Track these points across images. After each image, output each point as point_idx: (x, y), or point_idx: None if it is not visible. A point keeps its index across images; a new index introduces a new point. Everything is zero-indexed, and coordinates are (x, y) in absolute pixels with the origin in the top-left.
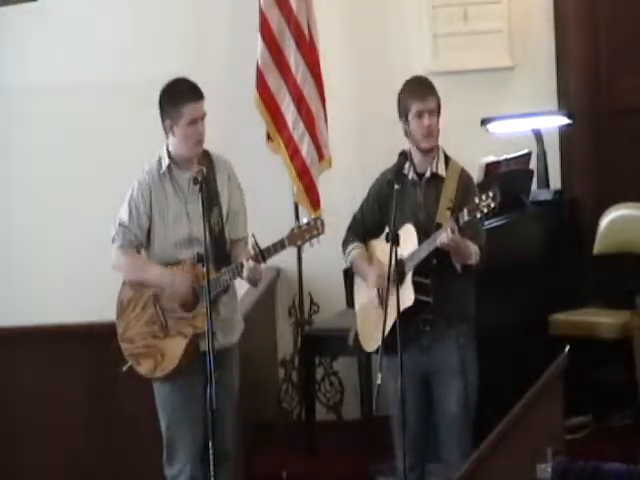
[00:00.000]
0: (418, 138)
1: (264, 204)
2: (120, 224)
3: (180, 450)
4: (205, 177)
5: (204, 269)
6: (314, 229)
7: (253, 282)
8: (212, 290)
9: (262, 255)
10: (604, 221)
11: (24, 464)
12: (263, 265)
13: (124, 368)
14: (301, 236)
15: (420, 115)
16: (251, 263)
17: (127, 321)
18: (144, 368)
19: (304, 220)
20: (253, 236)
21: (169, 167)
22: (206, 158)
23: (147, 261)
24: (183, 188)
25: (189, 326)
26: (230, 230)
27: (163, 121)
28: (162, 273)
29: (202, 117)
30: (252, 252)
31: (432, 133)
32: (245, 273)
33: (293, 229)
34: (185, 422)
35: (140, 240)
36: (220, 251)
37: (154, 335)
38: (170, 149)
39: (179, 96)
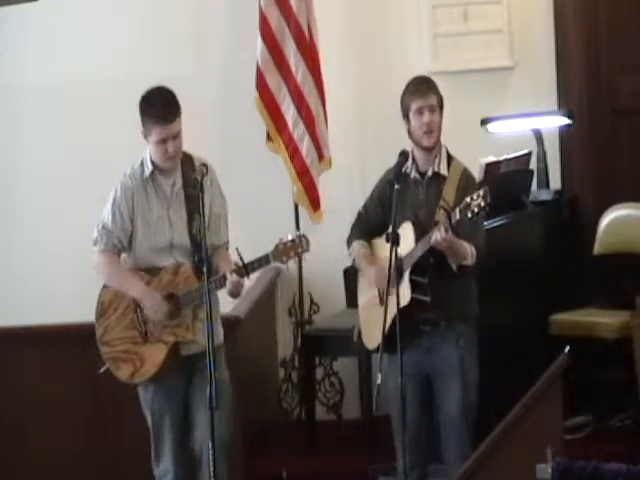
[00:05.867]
0: (419, 136)
1: (264, 204)
2: (103, 227)
3: (165, 451)
4: (187, 181)
5: (186, 277)
6: (298, 246)
7: (234, 295)
8: (193, 300)
9: (245, 269)
10: (604, 221)
11: (24, 464)
12: (247, 278)
13: (101, 370)
14: (285, 252)
15: (420, 112)
16: (235, 277)
17: (107, 324)
18: (122, 373)
19: (289, 236)
20: (237, 250)
21: (152, 173)
22: (188, 162)
23: (130, 274)
24: (166, 194)
25: (171, 334)
26: (212, 235)
27: (142, 126)
28: (143, 293)
29: (174, 136)
30: (234, 264)
31: (432, 130)
32: (228, 286)
33: (278, 245)
34: (168, 424)
35: (123, 244)
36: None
37: (134, 341)
38: (151, 155)
39: (149, 115)
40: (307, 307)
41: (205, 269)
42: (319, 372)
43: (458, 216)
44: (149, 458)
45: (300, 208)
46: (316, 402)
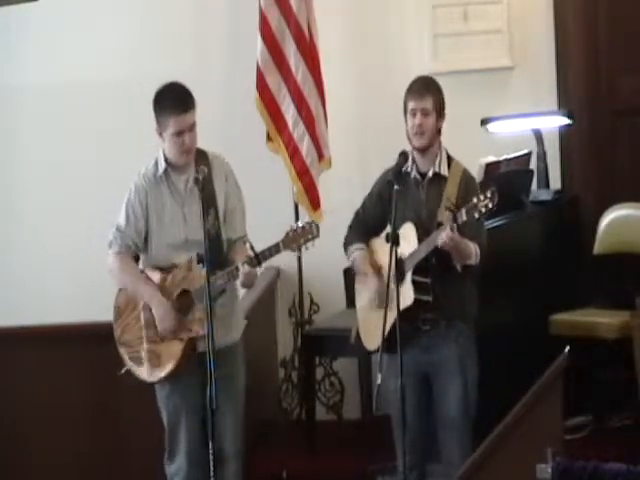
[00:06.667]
0: (410, 135)
1: (264, 204)
2: (117, 229)
3: (179, 449)
4: (204, 177)
5: (202, 271)
6: (309, 233)
7: (247, 286)
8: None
9: (257, 259)
10: (604, 221)
11: (24, 464)
12: (259, 268)
13: (122, 371)
14: (296, 239)
15: (413, 113)
16: (246, 267)
17: (124, 325)
18: (141, 372)
19: (299, 223)
20: (248, 240)
21: (166, 170)
22: (203, 158)
23: (144, 279)
24: (180, 191)
25: (185, 330)
26: (228, 229)
27: (156, 124)
28: (153, 301)
29: (190, 128)
30: (249, 254)
31: (422, 132)
32: (240, 277)
33: (288, 233)
34: (183, 422)
35: (137, 244)
36: (216, 253)
37: (151, 339)
38: (165, 152)
39: (165, 107)
40: (307, 307)
41: (205, 268)
42: (319, 372)
43: (465, 217)
44: (149, 458)
45: (300, 208)
46: (316, 402)
